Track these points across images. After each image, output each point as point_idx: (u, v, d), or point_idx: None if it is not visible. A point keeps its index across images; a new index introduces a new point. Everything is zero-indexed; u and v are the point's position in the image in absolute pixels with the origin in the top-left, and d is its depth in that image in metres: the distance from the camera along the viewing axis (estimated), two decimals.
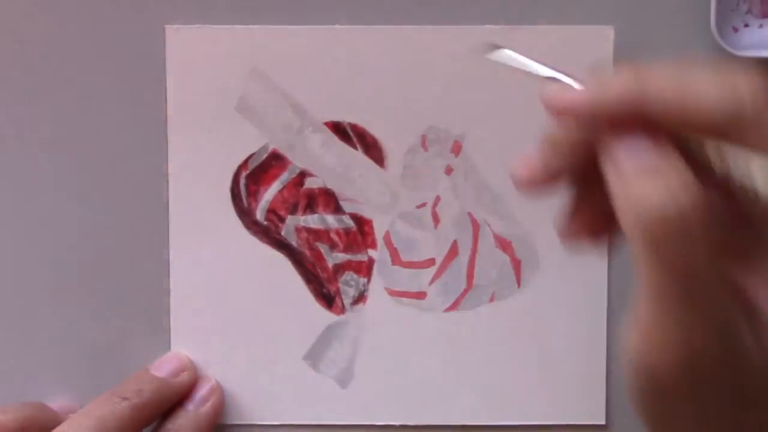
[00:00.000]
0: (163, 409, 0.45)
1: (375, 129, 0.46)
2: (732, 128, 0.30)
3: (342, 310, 0.47)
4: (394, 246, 0.46)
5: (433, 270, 0.46)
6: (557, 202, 0.46)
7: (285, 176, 0.46)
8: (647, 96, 0.30)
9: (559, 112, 0.32)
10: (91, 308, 0.47)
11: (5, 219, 0.47)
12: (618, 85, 0.30)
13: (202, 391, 0.46)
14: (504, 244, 0.46)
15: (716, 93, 0.30)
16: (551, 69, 0.33)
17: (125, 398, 0.43)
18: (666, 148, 0.30)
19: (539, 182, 0.33)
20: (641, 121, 0.30)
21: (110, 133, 0.46)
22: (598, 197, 0.33)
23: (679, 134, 0.31)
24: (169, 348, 0.47)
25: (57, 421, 0.44)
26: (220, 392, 0.47)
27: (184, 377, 0.46)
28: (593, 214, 0.34)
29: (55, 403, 0.46)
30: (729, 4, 0.45)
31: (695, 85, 0.30)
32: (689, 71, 0.30)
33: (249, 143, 0.46)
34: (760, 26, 0.46)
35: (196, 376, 0.47)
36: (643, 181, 0.30)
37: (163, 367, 0.46)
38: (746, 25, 0.46)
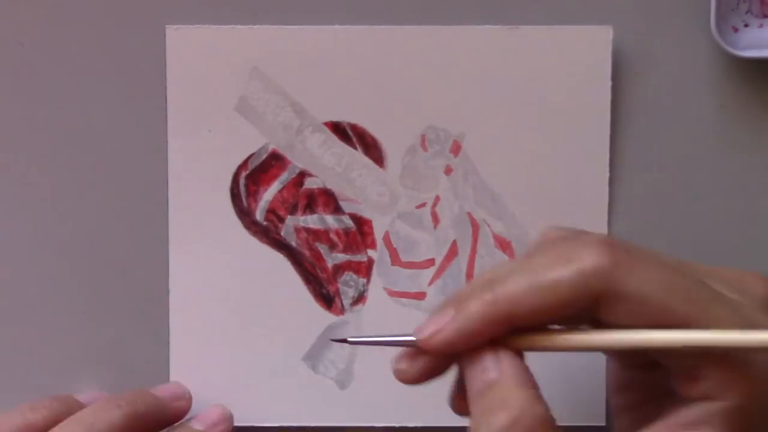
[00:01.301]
0: (155, 428, 0.44)
1: (374, 129, 0.46)
2: (590, 310, 0.34)
3: (341, 310, 0.47)
4: (394, 246, 0.46)
5: (432, 270, 0.46)
6: (557, 203, 0.46)
7: (285, 176, 0.46)
8: (508, 313, 0.34)
9: (429, 353, 0.36)
10: (91, 308, 0.47)
11: (4, 219, 0.47)
12: (478, 315, 0.35)
13: (213, 416, 0.46)
14: (503, 245, 0.46)
15: (568, 284, 0.34)
16: (393, 337, 0.37)
17: (119, 406, 0.43)
18: (511, 366, 0.35)
19: (419, 380, 0.37)
20: (490, 341, 0.35)
21: (110, 133, 0.46)
22: None
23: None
24: (168, 348, 0.47)
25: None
26: (230, 422, 0.46)
27: (182, 404, 0.46)
28: None
29: (84, 393, 0.46)
30: (729, 4, 0.45)
31: (545, 283, 0.34)
32: (533, 267, 0.35)
33: (249, 143, 0.46)
34: (760, 26, 0.46)
35: (189, 407, 0.46)
36: (485, 401, 0.34)
37: (162, 391, 0.46)
38: (746, 25, 0.46)
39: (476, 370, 0.35)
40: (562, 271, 0.34)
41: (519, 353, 0.36)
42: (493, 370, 0.35)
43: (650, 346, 0.34)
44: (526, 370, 0.35)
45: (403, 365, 0.37)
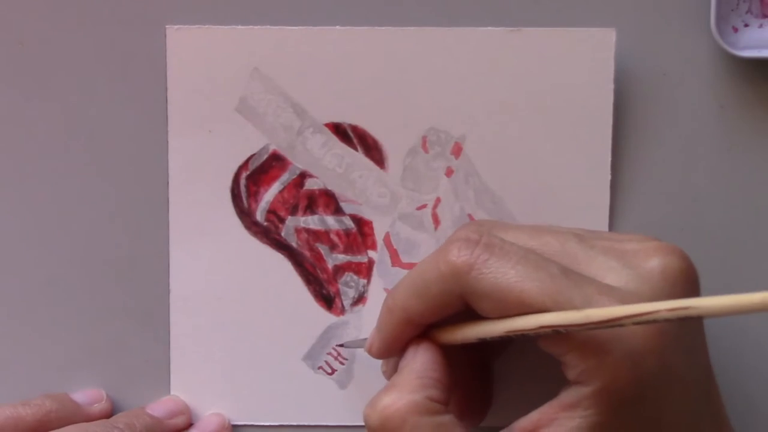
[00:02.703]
0: None
1: (375, 130, 0.46)
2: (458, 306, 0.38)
3: (342, 311, 0.47)
4: (394, 247, 0.46)
5: None
6: (558, 205, 0.46)
7: (285, 177, 0.46)
8: (404, 318, 0.39)
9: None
10: (91, 308, 0.47)
11: (4, 219, 0.47)
12: (385, 323, 0.40)
13: (212, 426, 0.46)
14: None
15: (434, 287, 0.38)
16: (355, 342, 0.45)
17: (116, 427, 0.43)
18: (412, 357, 0.39)
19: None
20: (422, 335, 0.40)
21: (110, 134, 0.46)
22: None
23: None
24: (168, 348, 0.47)
25: (80, 413, 0.44)
26: (229, 431, 0.47)
27: (179, 420, 0.46)
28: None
29: (81, 391, 0.46)
30: (729, 4, 0.45)
31: (420, 288, 0.38)
32: (415, 272, 0.39)
33: (249, 144, 0.46)
34: (760, 26, 0.46)
35: (191, 422, 0.47)
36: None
37: (159, 408, 0.46)
38: (746, 25, 0.46)
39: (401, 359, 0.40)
40: (429, 275, 0.38)
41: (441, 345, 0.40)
42: (403, 360, 0.40)
43: (500, 334, 0.37)
44: (429, 361, 0.39)
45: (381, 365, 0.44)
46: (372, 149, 0.46)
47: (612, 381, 0.35)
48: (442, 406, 0.38)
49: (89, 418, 0.45)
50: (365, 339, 0.42)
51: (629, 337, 0.35)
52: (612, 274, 0.37)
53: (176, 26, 0.46)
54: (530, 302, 0.36)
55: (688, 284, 0.38)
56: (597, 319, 0.34)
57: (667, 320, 0.33)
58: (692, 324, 0.38)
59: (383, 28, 0.45)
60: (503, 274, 0.36)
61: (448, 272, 0.37)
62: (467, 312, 0.38)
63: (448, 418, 0.37)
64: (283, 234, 0.46)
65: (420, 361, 0.39)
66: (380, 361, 0.44)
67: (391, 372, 0.43)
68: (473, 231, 0.38)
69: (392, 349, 0.41)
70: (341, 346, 0.46)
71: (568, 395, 0.36)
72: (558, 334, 0.36)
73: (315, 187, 0.46)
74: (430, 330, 0.40)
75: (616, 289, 0.36)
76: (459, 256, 0.37)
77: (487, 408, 0.44)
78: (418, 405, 0.37)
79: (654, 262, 0.38)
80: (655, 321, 0.33)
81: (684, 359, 0.37)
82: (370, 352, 0.42)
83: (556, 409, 0.36)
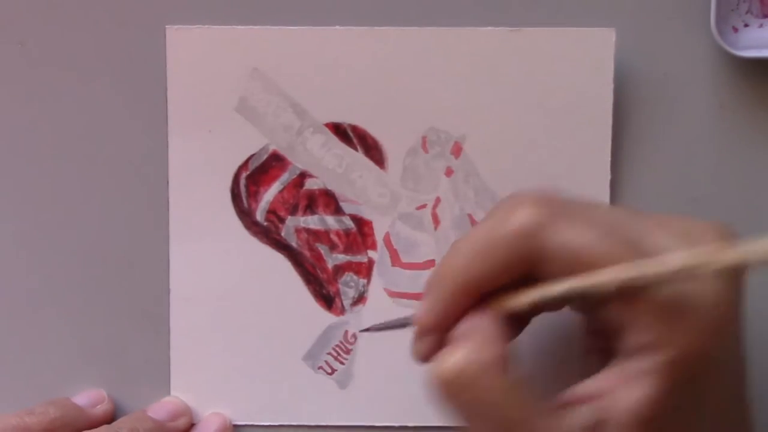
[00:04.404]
0: None
1: (375, 130, 0.46)
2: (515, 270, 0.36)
3: (342, 311, 0.47)
4: (394, 247, 0.46)
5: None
6: None
7: (285, 177, 0.46)
8: (463, 283, 0.37)
9: (426, 332, 0.39)
10: (91, 308, 0.47)
11: (4, 219, 0.47)
12: (441, 290, 0.38)
13: (213, 426, 0.46)
14: None
15: (502, 247, 0.36)
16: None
17: None
18: (472, 324, 0.37)
19: (431, 355, 0.39)
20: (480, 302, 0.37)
21: (110, 134, 0.46)
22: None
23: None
24: (168, 348, 0.47)
25: (83, 417, 0.44)
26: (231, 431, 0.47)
27: (181, 422, 0.46)
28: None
29: (84, 393, 0.46)
30: (729, 4, 0.45)
31: (485, 249, 0.36)
32: (475, 234, 0.37)
33: (249, 144, 0.46)
34: (760, 26, 0.46)
35: (192, 422, 0.47)
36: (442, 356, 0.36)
37: (160, 410, 0.46)
38: (746, 25, 0.46)
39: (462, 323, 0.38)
40: (496, 234, 0.36)
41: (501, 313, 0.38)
42: (466, 323, 0.37)
43: (579, 290, 0.35)
44: (488, 327, 0.37)
45: (415, 345, 0.39)
46: (372, 149, 0.46)
47: (687, 348, 0.34)
48: (510, 366, 0.36)
49: (92, 421, 0.45)
50: (388, 322, 0.42)
51: (701, 307, 0.34)
52: (674, 245, 0.36)
53: (176, 26, 0.46)
54: (600, 265, 0.34)
55: None
56: (674, 268, 0.33)
57: (754, 263, 0.32)
58: (741, 306, 0.37)
59: (383, 28, 0.45)
60: (577, 235, 0.35)
61: (519, 231, 0.36)
62: (512, 284, 0.37)
63: (520, 378, 0.36)
64: (283, 234, 0.46)
65: (488, 324, 0.37)
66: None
67: (428, 350, 0.39)
68: (537, 194, 0.37)
69: (448, 319, 0.38)
70: (366, 330, 0.46)
71: (633, 364, 0.35)
72: (628, 297, 0.34)
73: (315, 187, 0.46)
74: (486, 300, 0.38)
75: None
76: (531, 215, 0.36)
77: None
78: (496, 361, 0.35)
79: (707, 237, 0.37)
80: (741, 265, 0.33)
81: (738, 338, 0.37)
82: (420, 323, 0.38)
83: (616, 379, 0.35)
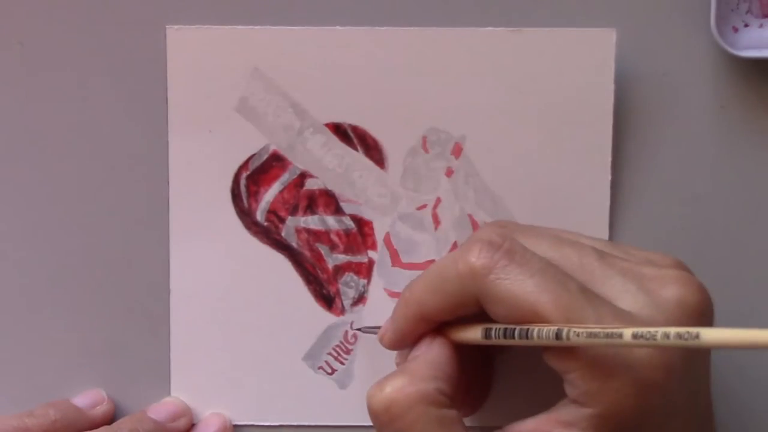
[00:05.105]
0: None
1: (376, 130, 0.46)
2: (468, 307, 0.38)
3: (342, 311, 0.47)
4: (394, 247, 0.46)
5: None
6: (559, 205, 0.46)
7: (285, 177, 0.46)
8: (419, 313, 0.39)
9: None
10: (91, 308, 0.47)
11: (4, 219, 0.47)
12: (400, 316, 0.40)
13: (213, 426, 0.46)
14: None
15: (451, 285, 0.38)
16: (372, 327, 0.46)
17: None
18: (423, 351, 0.39)
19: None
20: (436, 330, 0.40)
21: (110, 134, 0.46)
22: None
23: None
24: (168, 348, 0.47)
25: (83, 418, 0.45)
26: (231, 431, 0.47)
27: (181, 423, 0.46)
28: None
29: (83, 394, 0.46)
30: (729, 4, 0.45)
31: (437, 284, 0.39)
32: (433, 268, 0.39)
33: (249, 144, 0.46)
34: (760, 26, 0.46)
35: (192, 423, 0.47)
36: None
37: (160, 411, 0.46)
38: (746, 25, 0.46)
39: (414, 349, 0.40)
40: (448, 273, 0.38)
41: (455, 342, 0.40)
42: (416, 350, 0.40)
43: (511, 342, 0.37)
44: (442, 355, 0.39)
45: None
46: (372, 149, 0.46)
47: (613, 407, 0.35)
48: (449, 401, 0.37)
49: (92, 422, 0.45)
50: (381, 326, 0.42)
51: (636, 366, 0.35)
52: (628, 297, 0.37)
53: (176, 26, 0.46)
54: (544, 314, 0.35)
55: (705, 318, 0.37)
56: (602, 332, 0.34)
57: (673, 346, 0.33)
58: (700, 362, 0.38)
59: (383, 28, 0.45)
60: (521, 283, 0.36)
61: (466, 272, 0.37)
62: (482, 314, 0.38)
63: (453, 414, 0.37)
64: (283, 234, 0.46)
65: (434, 354, 0.39)
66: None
67: (399, 363, 0.42)
68: (497, 234, 0.38)
69: (405, 341, 0.40)
70: (359, 329, 0.47)
71: (566, 412, 0.36)
72: (564, 348, 0.35)
73: (315, 187, 0.46)
74: (444, 327, 0.40)
75: (630, 314, 0.36)
76: (479, 258, 0.37)
77: (483, 401, 0.44)
78: (428, 394, 0.37)
79: (671, 292, 0.37)
80: (659, 345, 0.33)
81: (687, 397, 0.37)
82: (381, 341, 0.41)
83: (552, 423, 0.36)
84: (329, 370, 0.47)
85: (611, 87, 0.45)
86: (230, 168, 0.46)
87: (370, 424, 0.47)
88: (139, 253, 0.47)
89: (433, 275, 0.39)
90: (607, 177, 0.46)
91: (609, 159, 0.45)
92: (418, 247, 0.46)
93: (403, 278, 0.46)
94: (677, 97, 0.46)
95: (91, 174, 0.46)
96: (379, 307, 0.46)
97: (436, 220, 0.46)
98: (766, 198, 0.46)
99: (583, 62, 0.45)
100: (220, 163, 0.46)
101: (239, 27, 0.45)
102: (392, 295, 0.46)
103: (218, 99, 0.46)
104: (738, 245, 0.46)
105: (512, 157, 0.46)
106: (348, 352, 0.47)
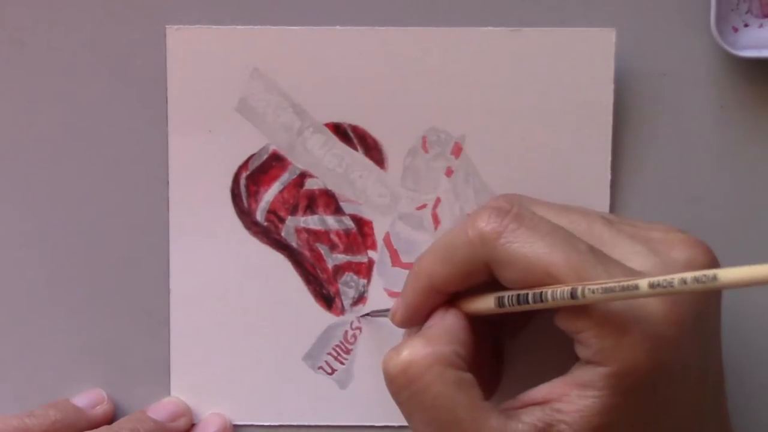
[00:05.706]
0: None
1: (375, 130, 0.46)
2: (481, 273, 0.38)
3: (342, 311, 0.47)
4: (394, 247, 0.46)
5: None
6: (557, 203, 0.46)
7: (285, 177, 0.46)
8: (429, 284, 0.39)
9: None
10: (91, 308, 0.47)
11: (4, 219, 0.47)
12: (411, 290, 0.40)
13: (214, 426, 0.46)
14: None
15: (461, 253, 0.38)
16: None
17: None
18: (435, 321, 0.39)
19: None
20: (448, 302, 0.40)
21: (110, 134, 0.46)
22: None
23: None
24: (168, 348, 0.47)
25: (83, 419, 0.45)
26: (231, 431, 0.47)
27: (181, 423, 0.46)
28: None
29: (83, 394, 0.46)
30: (729, 4, 0.45)
31: (446, 253, 0.38)
32: (442, 239, 0.39)
33: (249, 144, 0.46)
34: (760, 26, 0.46)
35: (192, 422, 0.47)
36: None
37: (160, 411, 0.46)
38: (746, 25, 0.46)
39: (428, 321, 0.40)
40: (457, 240, 0.38)
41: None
42: (431, 320, 0.40)
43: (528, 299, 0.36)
44: (457, 322, 0.39)
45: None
46: (372, 149, 0.46)
47: (628, 364, 0.35)
48: (465, 365, 0.37)
49: (92, 423, 0.45)
50: (387, 309, 0.42)
51: (649, 320, 0.35)
52: (638, 258, 0.37)
53: (176, 26, 0.46)
54: (556, 274, 0.35)
55: None
56: (618, 285, 0.33)
57: (691, 291, 0.32)
58: (711, 318, 0.38)
59: (383, 28, 0.45)
60: (531, 245, 0.36)
61: (476, 239, 0.37)
62: (491, 285, 0.38)
63: (470, 377, 0.37)
64: (283, 234, 0.46)
65: (449, 322, 0.39)
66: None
67: None
68: (505, 201, 0.38)
69: (416, 316, 0.40)
70: (367, 315, 0.46)
71: (582, 373, 0.36)
72: (576, 309, 0.35)
73: (315, 187, 0.46)
74: (455, 299, 0.40)
75: (642, 274, 0.36)
76: (488, 223, 0.37)
77: (496, 387, 0.44)
78: (445, 356, 0.37)
79: (680, 253, 0.37)
80: (678, 293, 0.32)
81: (700, 351, 0.37)
82: (393, 319, 0.41)
83: (568, 386, 0.36)
84: (329, 370, 0.47)
85: (611, 87, 0.45)
86: (230, 168, 0.46)
87: (371, 424, 0.47)
88: (139, 253, 0.47)
89: (442, 245, 0.39)
90: (607, 177, 0.46)
91: (609, 159, 0.45)
92: (418, 247, 0.46)
93: (403, 278, 0.46)
94: (677, 96, 0.46)
95: (91, 174, 0.46)
96: (379, 306, 0.46)
97: (436, 220, 0.46)
98: (766, 198, 0.46)
99: (583, 62, 0.45)
100: (219, 163, 0.46)
101: (239, 27, 0.45)
102: (392, 295, 0.46)
103: (218, 99, 0.46)
104: (738, 245, 0.46)
105: (512, 156, 0.46)
106: (348, 352, 0.47)
